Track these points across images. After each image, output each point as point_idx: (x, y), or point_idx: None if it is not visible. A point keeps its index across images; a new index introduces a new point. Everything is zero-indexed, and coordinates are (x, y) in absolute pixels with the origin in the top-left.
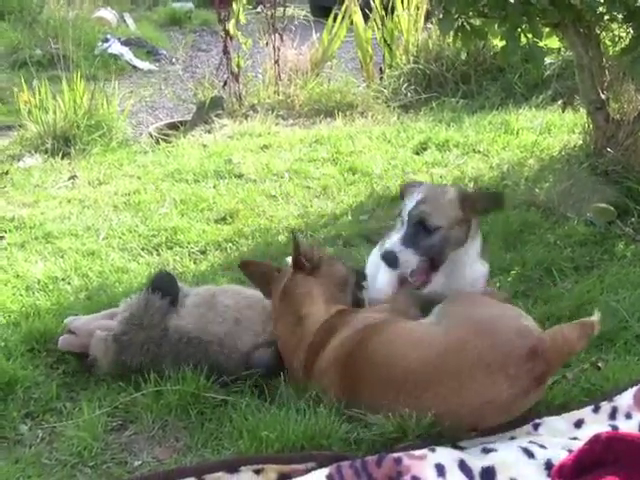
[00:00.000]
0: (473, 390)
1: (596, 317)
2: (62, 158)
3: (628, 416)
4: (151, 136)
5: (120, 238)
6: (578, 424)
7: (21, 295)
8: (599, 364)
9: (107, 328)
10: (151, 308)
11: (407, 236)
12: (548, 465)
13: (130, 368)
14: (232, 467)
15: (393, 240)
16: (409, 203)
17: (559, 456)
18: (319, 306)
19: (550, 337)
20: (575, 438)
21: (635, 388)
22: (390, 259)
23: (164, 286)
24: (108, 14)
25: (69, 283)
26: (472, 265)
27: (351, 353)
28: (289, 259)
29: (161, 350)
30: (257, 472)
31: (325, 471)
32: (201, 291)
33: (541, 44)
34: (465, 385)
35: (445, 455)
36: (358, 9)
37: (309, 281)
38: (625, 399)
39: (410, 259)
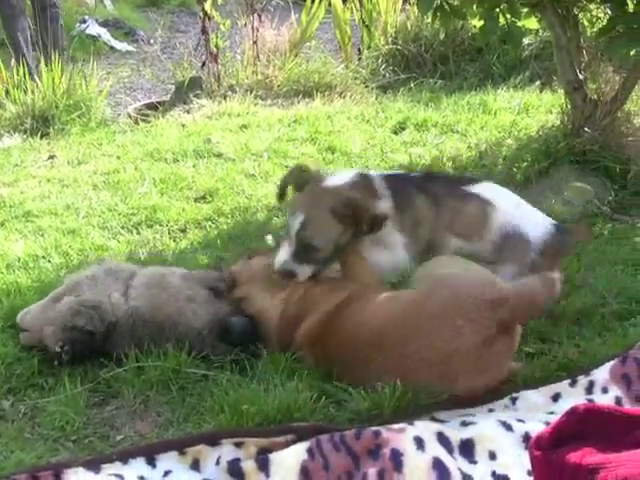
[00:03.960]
0: (438, 340)
1: (557, 274)
2: (41, 138)
3: (604, 390)
4: (130, 116)
5: (100, 217)
6: (555, 398)
7: (2, 273)
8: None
9: (52, 321)
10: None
11: (297, 253)
12: (526, 438)
13: (90, 355)
14: (213, 440)
15: (284, 257)
16: (293, 223)
17: (537, 429)
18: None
19: (515, 290)
20: (552, 412)
21: (611, 363)
22: (287, 273)
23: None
24: None
25: (49, 261)
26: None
27: (328, 323)
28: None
29: (113, 337)
30: (238, 445)
31: (305, 445)
32: (150, 271)
33: (519, 24)
34: (430, 336)
35: (423, 428)
36: None
37: None
38: (602, 373)
39: (304, 270)
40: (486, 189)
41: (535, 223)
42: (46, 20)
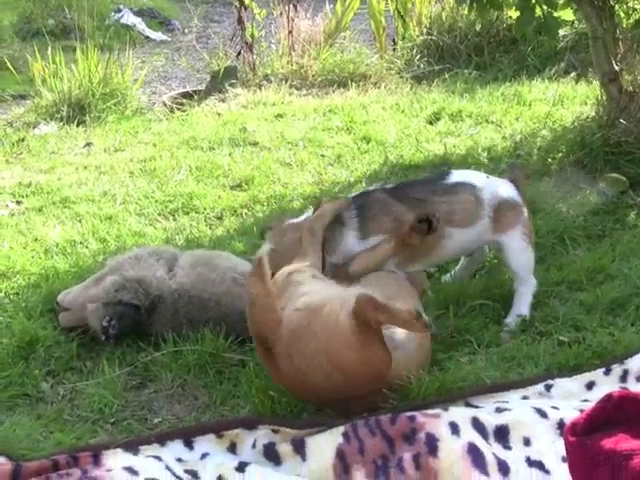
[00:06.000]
0: None
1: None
2: (77, 125)
3: (639, 379)
4: (165, 105)
5: (137, 203)
6: (589, 386)
7: (40, 258)
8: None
9: (95, 298)
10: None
11: None
12: (560, 424)
13: (130, 333)
14: (251, 424)
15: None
16: None
17: (571, 416)
18: None
19: None
20: (586, 400)
21: None
22: None
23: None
24: None
25: (87, 247)
26: None
27: None
28: None
29: (157, 311)
30: (274, 431)
31: (341, 429)
32: (195, 252)
33: (556, 15)
34: None
35: (458, 413)
36: None
37: None
38: (636, 362)
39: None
40: (460, 175)
41: (506, 185)
42: None
